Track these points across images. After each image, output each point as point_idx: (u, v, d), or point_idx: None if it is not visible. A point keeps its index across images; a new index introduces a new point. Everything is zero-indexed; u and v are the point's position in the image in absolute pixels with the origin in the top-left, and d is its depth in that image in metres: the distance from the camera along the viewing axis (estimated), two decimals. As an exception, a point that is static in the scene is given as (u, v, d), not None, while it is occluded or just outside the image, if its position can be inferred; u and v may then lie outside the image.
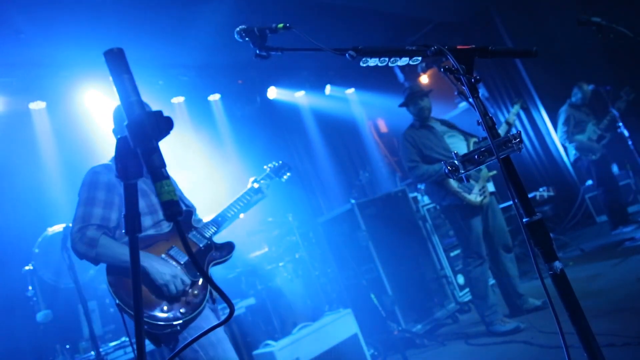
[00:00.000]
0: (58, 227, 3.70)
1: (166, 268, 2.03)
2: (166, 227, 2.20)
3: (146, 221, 2.14)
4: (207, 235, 2.29)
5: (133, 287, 0.99)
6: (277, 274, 3.90)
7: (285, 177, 2.89)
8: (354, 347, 3.67)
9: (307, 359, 3.36)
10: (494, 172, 3.98)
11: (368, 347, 3.84)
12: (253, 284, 3.83)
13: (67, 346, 3.41)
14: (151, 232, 2.16)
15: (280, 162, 2.93)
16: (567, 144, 6.12)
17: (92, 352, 3.07)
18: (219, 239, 2.35)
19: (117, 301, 1.96)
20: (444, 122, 4.15)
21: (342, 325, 3.69)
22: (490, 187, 4.03)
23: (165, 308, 1.96)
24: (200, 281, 2.11)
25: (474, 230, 3.83)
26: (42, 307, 3.55)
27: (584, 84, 6.06)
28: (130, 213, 0.97)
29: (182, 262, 2.13)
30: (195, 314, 2.00)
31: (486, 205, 3.86)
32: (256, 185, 2.66)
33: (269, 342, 3.43)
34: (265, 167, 2.82)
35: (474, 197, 3.76)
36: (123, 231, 2.07)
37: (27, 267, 3.64)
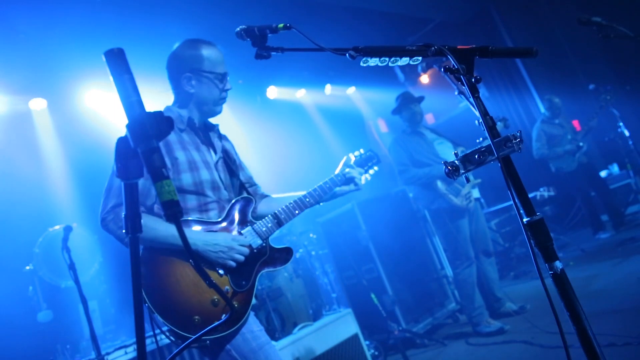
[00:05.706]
0: (59, 227, 3.70)
1: (219, 238, 1.74)
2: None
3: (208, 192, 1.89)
4: (264, 234, 1.91)
5: (133, 287, 0.98)
6: (277, 274, 3.90)
7: (371, 171, 2.32)
8: (354, 347, 3.67)
9: (307, 359, 3.36)
10: (479, 180, 4.11)
11: (368, 347, 3.84)
12: (253, 284, 3.82)
13: (68, 346, 3.40)
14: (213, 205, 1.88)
15: (369, 152, 2.32)
16: (541, 159, 6.21)
17: (93, 352, 3.06)
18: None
19: (148, 303, 1.65)
20: (433, 130, 4.32)
21: (342, 325, 3.69)
22: (475, 193, 4.18)
23: (196, 319, 1.66)
24: (243, 292, 1.79)
25: (462, 232, 3.95)
26: (43, 307, 3.54)
27: (554, 97, 6.10)
28: (130, 213, 0.97)
29: (254, 248, 1.87)
30: (232, 330, 1.71)
31: (471, 210, 4.00)
32: (347, 170, 2.15)
33: (269, 342, 3.42)
34: (351, 155, 2.29)
35: (460, 200, 3.90)
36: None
37: (27, 267, 3.64)
